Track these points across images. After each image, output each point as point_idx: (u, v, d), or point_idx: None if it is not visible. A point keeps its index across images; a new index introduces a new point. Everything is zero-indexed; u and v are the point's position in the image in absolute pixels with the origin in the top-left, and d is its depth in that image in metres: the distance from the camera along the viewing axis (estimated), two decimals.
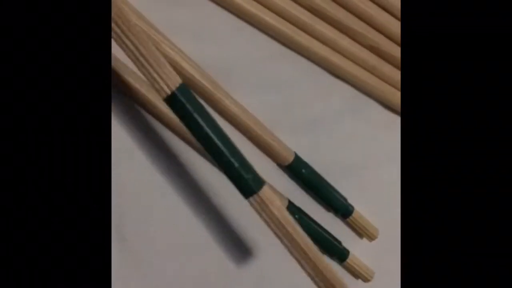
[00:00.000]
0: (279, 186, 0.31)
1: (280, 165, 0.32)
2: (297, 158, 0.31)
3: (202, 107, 0.24)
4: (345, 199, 0.33)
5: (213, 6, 0.30)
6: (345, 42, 0.32)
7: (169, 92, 0.23)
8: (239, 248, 0.31)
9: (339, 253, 0.33)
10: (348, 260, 0.33)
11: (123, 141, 0.29)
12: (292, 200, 0.32)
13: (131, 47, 0.23)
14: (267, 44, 0.31)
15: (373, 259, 0.34)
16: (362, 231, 0.34)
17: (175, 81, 0.23)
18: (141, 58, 0.23)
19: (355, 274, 0.34)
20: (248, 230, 0.31)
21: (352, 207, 0.33)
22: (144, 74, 0.23)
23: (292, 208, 0.31)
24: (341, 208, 0.33)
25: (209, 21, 0.30)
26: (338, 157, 0.34)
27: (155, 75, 0.23)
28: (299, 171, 0.32)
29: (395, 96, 0.34)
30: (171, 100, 0.23)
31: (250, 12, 0.30)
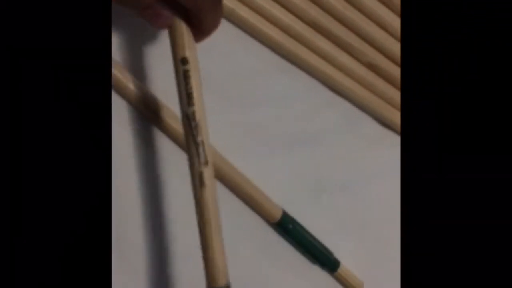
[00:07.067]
0: (274, 196, 0.32)
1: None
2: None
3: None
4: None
5: None
6: (344, 58, 0.33)
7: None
8: (236, 255, 0.31)
9: (330, 264, 0.34)
10: (338, 271, 0.34)
11: (123, 150, 0.29)
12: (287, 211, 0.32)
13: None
14: (267, 56, 0.32)
15: (363, 269, 0.35)
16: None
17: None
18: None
19: (345, 284, 0.34)
20: (245, 240, 0.32)
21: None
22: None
23: (287, 218, 0.32)
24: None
25: None
26: (332, 171, 0.34)
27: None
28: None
29: (390, 112, 0.35)
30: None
31: (253, 25, 0.30)
